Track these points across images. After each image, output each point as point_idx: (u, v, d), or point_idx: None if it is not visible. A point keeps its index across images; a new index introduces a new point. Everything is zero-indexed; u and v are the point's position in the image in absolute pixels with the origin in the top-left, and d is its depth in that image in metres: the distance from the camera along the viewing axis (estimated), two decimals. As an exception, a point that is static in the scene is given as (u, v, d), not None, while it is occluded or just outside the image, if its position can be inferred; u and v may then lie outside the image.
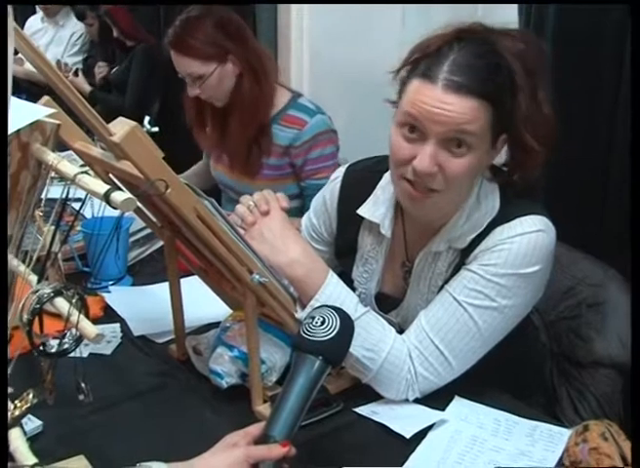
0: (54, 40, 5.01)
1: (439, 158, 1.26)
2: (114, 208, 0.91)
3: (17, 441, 0.91)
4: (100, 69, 4.40)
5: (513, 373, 1.44)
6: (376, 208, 1.47)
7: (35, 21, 5.14)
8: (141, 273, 1.93)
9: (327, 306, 1.17)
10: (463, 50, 1.25)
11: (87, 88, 4.25)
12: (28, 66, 3.98)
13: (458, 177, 1.28)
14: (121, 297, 1.76)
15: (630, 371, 1.12)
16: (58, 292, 0.96)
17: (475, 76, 1.23)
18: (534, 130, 1.29)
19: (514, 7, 2.20)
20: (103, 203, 0.94)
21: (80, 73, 4.37)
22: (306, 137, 2.28)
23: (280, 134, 2.31)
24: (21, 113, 1.01)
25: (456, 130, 1.24)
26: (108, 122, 1.13)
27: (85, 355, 1.34)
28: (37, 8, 5.18)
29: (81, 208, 1.01)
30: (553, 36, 2.05)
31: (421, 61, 1.28)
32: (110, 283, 1.82)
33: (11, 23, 0.95)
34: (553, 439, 1.25)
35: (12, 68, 0.96)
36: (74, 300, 0.96)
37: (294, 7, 3.18)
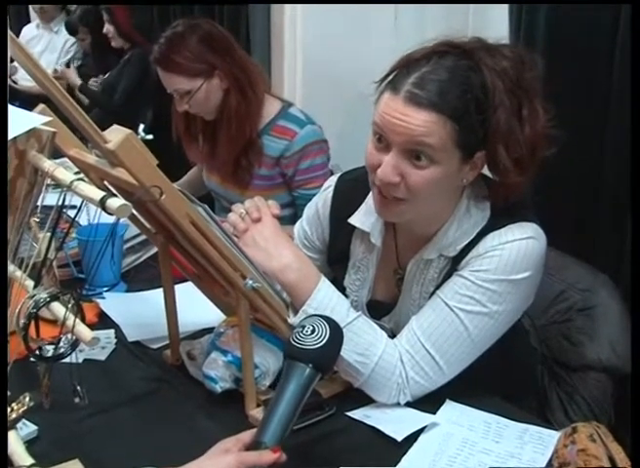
0: (48, 47, 5.02)
1: (401, 168, 1.28)
2: (110, 214, 0.92)
3: (13, 443, 0.92)
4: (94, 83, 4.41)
5: (504, 377, 1.45)
6: (366, 217, 1.49)
7: (30, 29, 5.16)
8: (136, 279, 1.94)
9: (317, 315, 1.19)
10: (437, 64, 1.27)
11: (77, 81, 4.26)
12: (22, 74, 3.99)
13: (419, 189, 1.29)
14: (115, 304, 1.77)
15: (631, 372, 1.13)
16: (54, 297, 0.98)
17: (438, 91, 1.24)
18: (513, 149, 1.29)
19: (505, 11, 2.22)
20: (98, 210, 0.96)
21: (72, 66, 4.37)
22: (296, 148, 2.29)
23: (271, 144, 2.31)
24: (18, 121, 1.02)
25: (414, 141, 1.26)
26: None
27: (80, 360, 1.36)
28: (32, 16, 5.20)
29: (77, 214, 1.03)
30: (544, 38, 2.07)
31: (395, 73, 1.31)
32: (105, 289, 1.83)
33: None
34: (543, 441, 1.27)
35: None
36: (70, 305, 0.98)
37: (287, 12, 3.19)
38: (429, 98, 1.24)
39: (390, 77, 1.32)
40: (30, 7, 5.10)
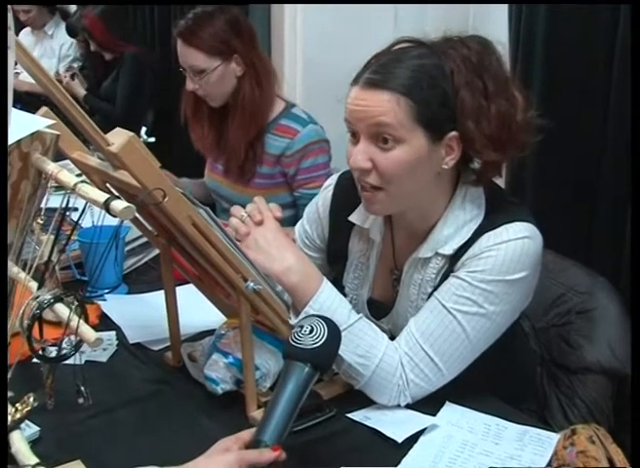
0: (45, 53, 4.99)
1: (370, 154, 1.32)
2: (114, 216, 0.93)
3: (18, 443, 0.93)
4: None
5: (504, 379, 1.46)
6: (366, 214, 1.50)
7: (25, 35, 5.11)
8: (137, 281, 1.95)
9: (315, 315, 1.20)
10: (393, 53, 1.35)
11: (82, 92, 4.26)
12: (25, 77, 3.99)
13: (390, 172, 1.32)
14: (117, 305, 1.78)
15: (631, 372, 1.14)
16: (58, 299, 0.98)
17: (392, 74, 1.31)
18: (483, 126, 1.33)
19: (505, 14, 2.23)
20: (100, 212, 0.96)
21: (76, 78, 4.37)
22: (298, 147, 2.30)
23: (272, 143, 2.33)
24: (22, 124, 1.03)
25: (375, 123, 1.30)
26: (101, 128, 1.15)
27: (81, 362, 1.36)
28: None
29: (80, 217, 1.03)
30: (544, 38, 2.08)
31: (358, 72, 1.36)
32: (106, 291, 1.84)
33: (12, 36, 0.97)
34: (542, 443, 1.27)
35: (12, 80, 0.99)
36: (74, 306, 0.99)
37: (287, 14, 3.20)
38: (381, 80, 1.30)
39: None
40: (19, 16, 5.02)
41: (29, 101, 3.10)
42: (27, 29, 5.08)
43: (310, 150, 2.31)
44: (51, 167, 1.01)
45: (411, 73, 1.30)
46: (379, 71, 1.32)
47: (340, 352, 1.23)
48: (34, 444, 1.24)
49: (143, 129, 2.73)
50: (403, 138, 1.30)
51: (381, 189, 1.35)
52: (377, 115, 1.29)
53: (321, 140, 2.34)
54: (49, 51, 4.98)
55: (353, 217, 1.52)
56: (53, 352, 1.06)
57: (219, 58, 2.26)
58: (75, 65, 4.82)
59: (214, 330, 1.48)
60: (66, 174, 1.00)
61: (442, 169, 1.36)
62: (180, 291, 1.52)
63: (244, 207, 1.41)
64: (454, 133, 1.33)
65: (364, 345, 1.33)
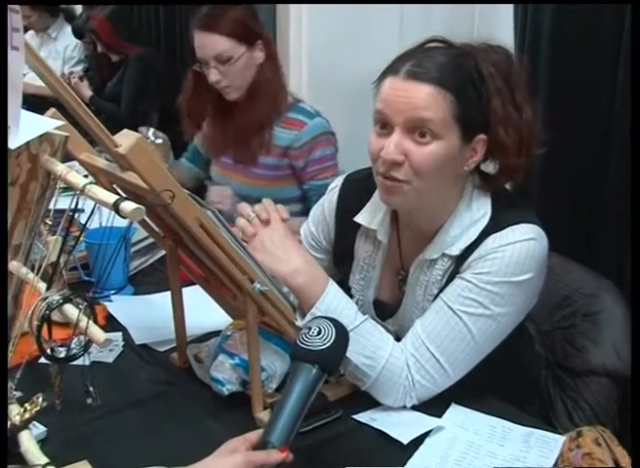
0: (51, 55, 4.98)
1: (404, 146, 1.31)
2: (123, 217, 0.93)
3: (27, 442, 0.93)
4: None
5: (509, 382, 1.46)
6: (372, 215, 1.51)
7: (30, 38, 5.10)
8: (143, 282, 1.95)
9: (323, 317, 1.21)
10: (431, 51, 1.35)
11: (88, 93, 4.26)
12: (30, 79, 3.99)
13: (423, 166, 1.32)
14: (123, 307, 1.78)
15: (631, 371, 1.14)
16: (67, 299, 0.99)
17: (435, 67, 1.31)
18: (514, 133, 1.35)
19: (510, 15, 2.23)
20: (108, 213, 0.97)
21: (85, 80, 4.38)
22: (306, 139, 2.34)
23: (280, 135, 2.36)
24: (31, 125, 1.03)
25: (416, 116, 1.29)
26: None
27: (87, 363, 1.37)
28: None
29: (89, 218, 1.04)
30: (550, 39, 2.08)
31: (393, 63, 1.36)
32: (112, 292, 1.84)
33: (21, 37, 0.98)
34: (548, 445, 1.27)
35: (21, 81, 0.99)
36: (83, 307, 0.99)
37: (292, 17, 3.21)
38: (428, 73, 1.30)
39: (392, 66, 1.36)
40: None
41: (35, 103, 3.09)
42: (31, 32, 5.08)
43: (318, 141, 2.35)
44: (60, 168, 1.02)
45: (455, 71, 1.32)
46: (421, 64, 1.31)
47: (346, 353, 1.23)
48: (41, 444, 1.23)
49: (151, 130, 2.73)
50: (441, 134, 1.31)
51: (407, 182, 1.34)
52: (419, 108, 1.29)
53: (328, 132, 2.39)
54: (53, 53, 4.97)
55: (359, 218, 1.52)
56: (62, 352, 1.06)
57: (243, 43, 2.26)
58: (78, 68, 4.83)
59: (220, 331, 1.48)
60: (75, 175, 1.00)
61: (463, 170, 1.38)
62: (187, 292, 1.53)
63: (249, 197, 1.41)
64: (482, 136, 1.35)
65: (370, 346, 1.33)
